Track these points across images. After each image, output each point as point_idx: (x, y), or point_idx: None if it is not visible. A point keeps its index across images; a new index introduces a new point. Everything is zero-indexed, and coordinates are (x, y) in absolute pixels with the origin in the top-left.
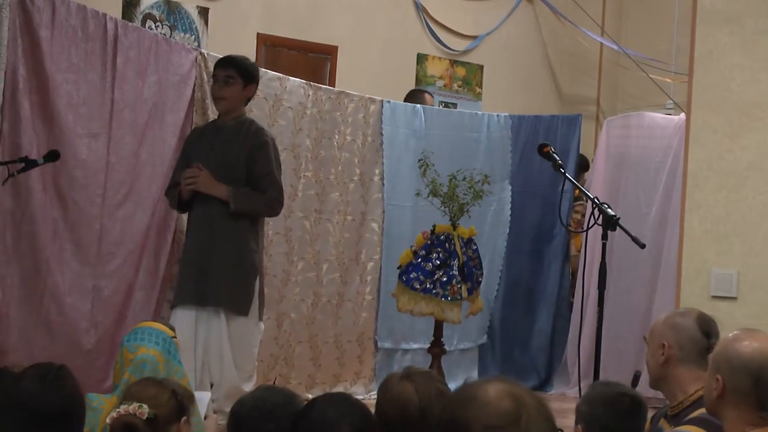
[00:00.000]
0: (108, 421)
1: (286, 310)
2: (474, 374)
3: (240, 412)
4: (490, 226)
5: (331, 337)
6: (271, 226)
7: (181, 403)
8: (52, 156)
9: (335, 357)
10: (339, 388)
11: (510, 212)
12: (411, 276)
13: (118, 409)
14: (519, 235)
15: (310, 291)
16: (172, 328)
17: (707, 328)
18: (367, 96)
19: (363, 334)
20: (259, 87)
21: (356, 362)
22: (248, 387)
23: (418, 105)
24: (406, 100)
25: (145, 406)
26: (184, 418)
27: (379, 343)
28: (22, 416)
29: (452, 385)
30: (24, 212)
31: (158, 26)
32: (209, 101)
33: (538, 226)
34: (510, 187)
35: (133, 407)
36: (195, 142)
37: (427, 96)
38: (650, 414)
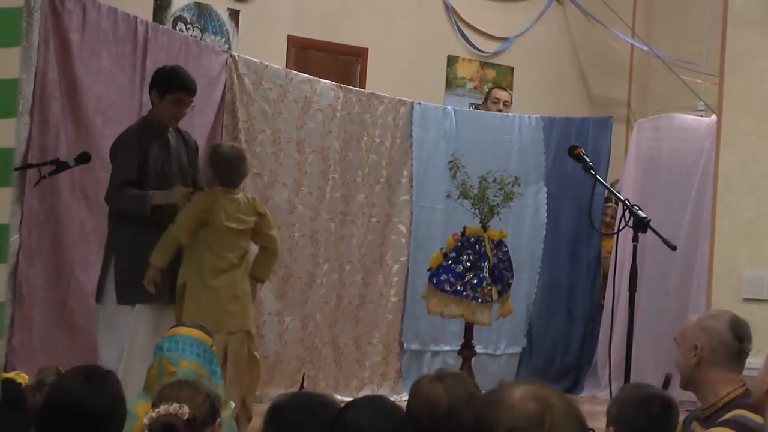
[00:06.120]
0: (146, 421)
1: (311, 311)
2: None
3: (281, 407)
4: (529, 228)
5: (351, 339)
6: (297, 228)
7: (214, 406)
8: (83, 158)
9: (356, 359)
10: (366, 391)
11: (546, 215)
12: (441, 278)
13: (157, 410)
14: (555, 238)
15: (333, 293)
16: (209, 333)
17: (740, 332)
18: (398, 98)
19: (388, 336)
20: (289, 89)
21: (381, 364)
22: None
23: (449, 107)
24: None
25: (185, 406)
26: (218, 420)
27: (405, 345)
28: (67, 414)
29: None
30: (49, 214)
31: (189, 29)
32: (239, 103)
33: (574, 228)
34: (545, 189)
35: (173, 408)
36: (146, 144)
37: None
38: (682, 416)
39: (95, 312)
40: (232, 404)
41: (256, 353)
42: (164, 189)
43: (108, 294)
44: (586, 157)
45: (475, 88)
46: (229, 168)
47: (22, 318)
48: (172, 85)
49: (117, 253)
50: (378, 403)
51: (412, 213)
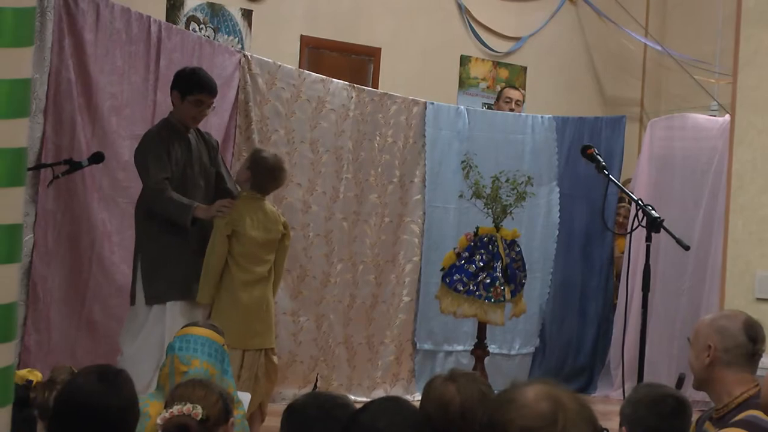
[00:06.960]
0: (159, 421)
1: (325, 311)
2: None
3: (298, 407)
4: (542, 228)
5: (364, 339)
6: (311, 227)
7: (227, 406)
8: (97, 158)
9: (368, 359)
10: (379, 391)
11: (558, 215)
12: (454, 278)
13: (171, 410)
14: (568, 237)
15: (347, 292)
16: (221, 333)
17: (753, 333)
18: (410, 98)
19: (400, 336)
20: (302, 89)
21: (394, 364)
22: None
23: (462, 106)
24: None
25: (198, 406)
26: (231, 420)
27: (418, 345)
28: (79, 414)
29: None
30: (65, 214)
31: (202, 28)
32: (252, 103)
33: (587, 228)
34: (558, 189)
35: (187, 408)
36: (168, 145)
37: None
38: (696, 417)
39: (129, 314)
40: (244, 403)
41: (275, 357)
42: (186, 190)
43: (138, 295)
44: (599, 157)
45: (488, 87)
46: (268, 175)
47: (38, 318)
48: (193, 87)
49: (143, 253)
50: (395, 405)
51: (424, 213)
